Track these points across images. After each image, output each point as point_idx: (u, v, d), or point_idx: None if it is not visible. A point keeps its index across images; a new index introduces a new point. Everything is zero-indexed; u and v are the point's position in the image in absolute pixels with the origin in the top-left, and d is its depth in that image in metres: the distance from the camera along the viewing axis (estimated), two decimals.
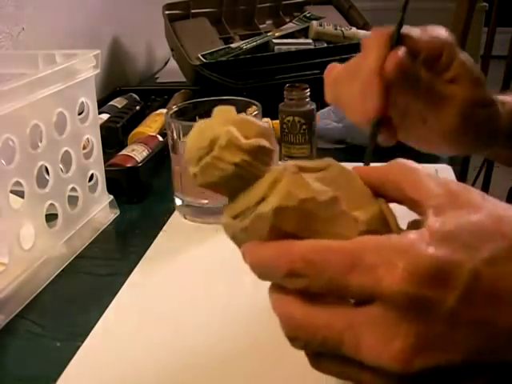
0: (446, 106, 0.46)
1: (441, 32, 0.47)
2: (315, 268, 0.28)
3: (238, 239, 0.33)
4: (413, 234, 0.27)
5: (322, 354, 0.30)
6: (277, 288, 0.31)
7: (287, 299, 0.30)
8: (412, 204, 0.31)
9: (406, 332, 0.26)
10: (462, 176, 1.28)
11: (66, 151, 0.58)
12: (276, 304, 0.31)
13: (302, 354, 0.39)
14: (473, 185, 1.45)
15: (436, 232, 0.27)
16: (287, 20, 1.25)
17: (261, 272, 0.31)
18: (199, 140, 0.32)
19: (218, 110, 0.33)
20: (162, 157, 0.74)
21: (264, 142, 0.32)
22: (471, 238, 0.27)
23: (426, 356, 0.26)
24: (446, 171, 0.71)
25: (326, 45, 1.14)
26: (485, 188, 1.45)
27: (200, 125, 0.32)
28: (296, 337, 0.30)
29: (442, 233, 0.27)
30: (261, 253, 0.30)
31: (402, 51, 0.43)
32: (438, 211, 0.28)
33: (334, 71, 0.47)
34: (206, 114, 0.67)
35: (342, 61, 0.48)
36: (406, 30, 0.46)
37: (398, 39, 0.44)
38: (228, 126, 0.31)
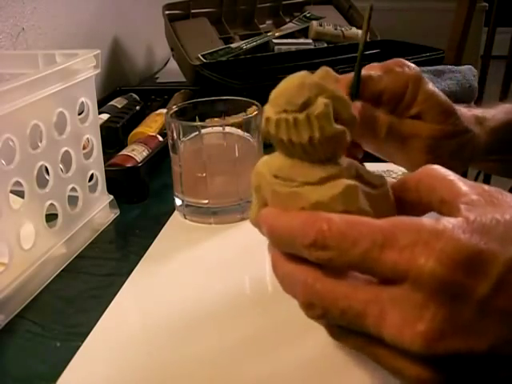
0: (412, 144, 0.45)
1: (405, 66, 0.46)
2: (346, 241, 0.27)
3: (261, 192, 0.32)
4: (448, 220, 0.27)
5: (338, 326, 0.30)
6: (292, 258, 0.31)
7: (306, 269, 0.30)
8: (443, 204, 0.31)
9: (432, 315, 0.26)
10: (462, 175, 1.28)
11: (66, 151, 0.58)
12: (291, 273, 0.30)
13: (301, 353, 0.38)
14: None
15: (472, 222, 0.27)
16: (287, 20, 1.25)
17: (280, 238, 0.31)
18: (296, 92, 0.31)
19: (325, 72, 0.32)
20: (162, 157, 0.74)
21: (346, 135, 0.31)
22: (506, 231, 0.27)
23: (450, 342, 0.26)
24: None
25: (326, 45, 1.14)
26: None
27: (304, 77, 0.31)
28: (313, 304, 0.29)
29: (478, 223, 0.27)
30: (285, 219, 0.30)
31: (359, 104, 0.42)
32: (471, 207, 0.29)
33: None
34: (206, 114, 0.68)
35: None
36: (368, 70, 0.45)
37: (357, 88, 0.43)
38: (328, 95, 0.31)
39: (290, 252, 0.31)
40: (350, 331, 0.29)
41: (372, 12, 0.43)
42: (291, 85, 0.31)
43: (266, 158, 0.34)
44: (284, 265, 0.31)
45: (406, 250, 0.26)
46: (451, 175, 0.32)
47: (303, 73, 0.32)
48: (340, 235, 0.28)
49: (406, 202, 0.34)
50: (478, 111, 0.51)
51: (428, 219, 0.27)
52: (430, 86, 0.46)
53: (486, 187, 0.31)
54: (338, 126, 0.31)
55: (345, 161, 0.32)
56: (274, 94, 0.32)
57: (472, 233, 0.26)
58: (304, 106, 0.30)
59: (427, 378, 0.27)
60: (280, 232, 0.30)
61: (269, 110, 0.31)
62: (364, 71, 0.45)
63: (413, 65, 0.46)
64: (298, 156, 0.31)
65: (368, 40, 1.16)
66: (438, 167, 0.33)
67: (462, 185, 0.31)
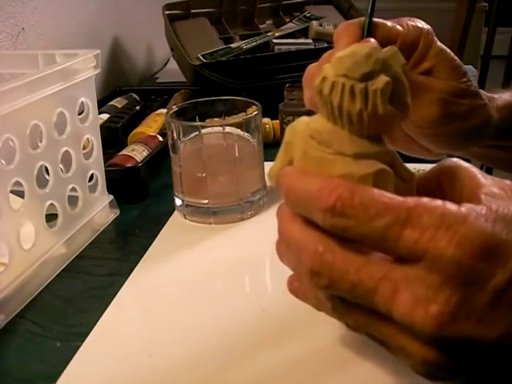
0: (423, 96, 0.44)
1: (417, 21, 0.45)
2: (367, 212, 0.27)
3: (291, 150, 0.32)
4: (471, 206, 0.27)
5: (341, 300, 0.29)
6: (304, 222, 0.30)
7: (317, 235, 0.29)
8: (463, 195, 0.30)
9: (447, 298, 0.26)
10: None
11: (66, 151, 0.58)
12: (300, 237, 0.30)
13: (301, 352, 0.38)
14: None
15: (495, 211, 0.27)
16: (287, 20, 1.25)
17: (296, 198, 0.30)
18: (362, 61, 0.30)
19: (394, 52, 0.31)
20: (161, 157, 0.74)
21: (396, 119, 0.31)
22: None
23: (461, 326, 0.26)
24: None
25: (326, 45, 1.14)
26: None
27: (373, 49, 0.30)
28: (320, 272, 0.28)
29: (500, 213, 0.27)
30: (307, 179, 0.29)
31: (371, 40, 0.40)
32: (492, 199, 0.28)
33: (310, 72, 0.44)
34: (206, 114, 0.68)
35: None
36: (381, 20, 0.43)
37: (369, 29, 0.42)
38: (392, 75, 0.30)
39: (303, 215, 0.30)
40: (353, 305, 0.29)
41: None
42: (359, 52, 0.30)
43: (305, 118, 0.33)
44: (293, 227, 0.30)
45: (428, 231, 0.26)
46: (473, 168, 0.32)
47: (373, 44, 0.31)
48: (361, 206, 0.27)
49: (427, 196, 0.34)
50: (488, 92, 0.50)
51: (451, 203, 0.27)
52: (440, 43, 0.45)
53: (508, 182, 0.31)
54: (391, 108, 0.30)
55: (384, 145, 0.32)
56: (338, 55, 0.31)
57: (494, 222, 0.26)
58: (365, 77, 0.30)
59: (432, 359, 0.27)
60: (298, 191, 0.30)
61: (328, 70, 0.31)
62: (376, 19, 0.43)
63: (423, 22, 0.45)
64: (341, 124, 0.31)
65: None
66: (459, 160, 0.33)
67: (484, 178, 0.31)
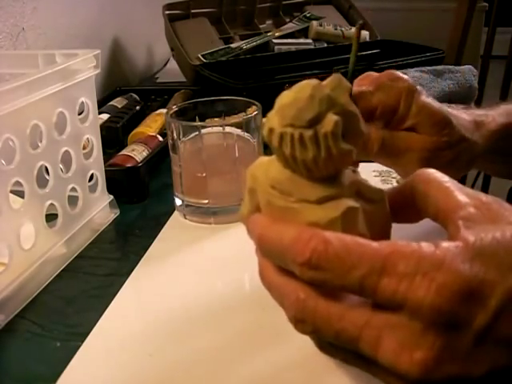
0: (406, 158, 0.45)
1: (397, 78, 0.45)
2: (343, 265, 0.27)
3: (255, 196, 0.31)
4: (447, 247, 0.26)
5: (329, 342, 0.29)
6: (282, 269, 0.30)
7: (297, 283, 0.29)
8: (439, 214, 0.30)
9: (430, 344, 0.26)
10: (462, 177, 1.29)
11: (66, 151, 0.58)
12: (281, 285, 0.30)
13: (301, 352, 0.38)
14: (472, 185, 1.44)
15: (471, 246, 0.26)
16: (287, 20, 1.25)
17: (270, 250, 0.30)
18: (305, 106, 0.28)
19: (338, 81, 0.29)
20: (162, 157, 0.74)
21: (353, 154, 0.30)
22: (506, 255, 0.26)
23: (447, 369, 0.26)
24: None
25: (326, 45, 1.14)
26: (485, 188, 1.45)
27: (315, 89, 0.29)
28: (304, 320, 0.28)
29: (477, 248, 0.26)
30: (278, 229, 0.29)
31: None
32: (469, 223, 0.28)
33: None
34: (206, 114, 0.68)
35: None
36: (360, 82, 0.45)
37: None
38: (339, 110, 0.29)
39: (279, 265, 0.30)
40: (340, 348, 0.29)
41: (360, 31, 0.43)
42: (301, 96, 0.29)
43: (263, 160, 0.32)
44: (273, 275, 0.30)
45: (404, 279, 0.26)
46: (447, 181, 0.31)
47: (314, 82, 0.29)
48: (337, 258, 0.27)
49: (401, 208, 0.33)
50: (478, 114, 0.50)
51: (427, 244, 0.27)
52: (424, 97, 0.46)
53: (484, 198, 0.30)
54: (345, 146, 0.29)
55: (347, 176, 0.31)
56: (281, 102, 0.29)
57: (472, 261, 0.26)
58: (312, 122, 0.28)
59: None
60: (270, 243, 0.29)
61: (273, 120, 0.30)
62: (356, 87, 0.44)
63: (405, 76, 0.46)
64: (298, 172, 0.30)
65: (368, 40, 1.16)
66: (433, 172, 0.32)
67: (459, 194, 0.30)
